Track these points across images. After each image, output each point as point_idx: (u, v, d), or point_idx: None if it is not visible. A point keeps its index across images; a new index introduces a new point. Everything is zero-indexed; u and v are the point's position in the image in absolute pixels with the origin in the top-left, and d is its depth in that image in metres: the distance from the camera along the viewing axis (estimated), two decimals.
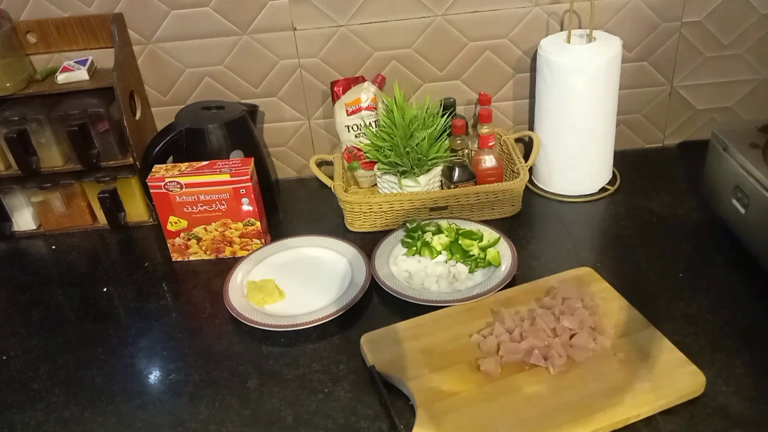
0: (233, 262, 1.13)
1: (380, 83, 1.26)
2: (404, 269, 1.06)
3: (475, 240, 1.08)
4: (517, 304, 0.96)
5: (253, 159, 1.13)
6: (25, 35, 1.23)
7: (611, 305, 0.94)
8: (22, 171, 1.20)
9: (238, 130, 1.20)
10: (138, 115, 1.25)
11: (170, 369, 0.94)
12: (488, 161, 1.20)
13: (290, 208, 1.31)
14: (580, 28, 1.24)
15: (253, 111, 1.27)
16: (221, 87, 1.30)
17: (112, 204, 1.23)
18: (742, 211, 0.98)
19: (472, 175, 1.17)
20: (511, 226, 1.17)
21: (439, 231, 1.10)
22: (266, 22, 1.24)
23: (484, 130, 1.20)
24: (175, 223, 1.13)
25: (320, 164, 1.28)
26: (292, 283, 1.07)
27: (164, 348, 0.98)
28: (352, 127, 1.26)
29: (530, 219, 1.20)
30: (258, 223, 1.14)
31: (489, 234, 1.11)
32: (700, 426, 0.78)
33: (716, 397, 0.81)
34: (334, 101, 1.27)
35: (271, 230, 1.20)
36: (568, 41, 1.18)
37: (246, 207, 1.12)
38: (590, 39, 1.17)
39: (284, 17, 1.23)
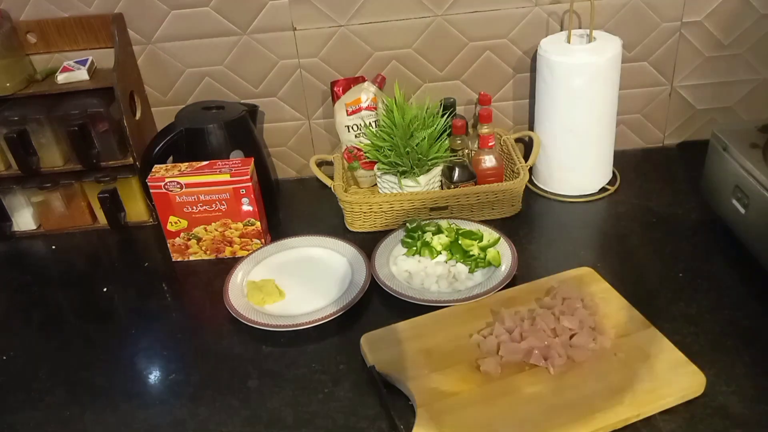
0: (233, 262, 1.13)
1: (380, 83, 1.26)
2: (404, 269, 1.06)
3: (475, 240, 1.08)
4: (517, 304, 0.96)
5: (253, 159, 1.13)
6: (25, 35, 1.23)
7: (611, 305, 0.94)
8: (22, 171, 1.20)
9: (238, 130, 1.20)
10: (138, 115, 1.25)
11: (170, 369, 0.94)
12: (488, 161, 1.20)
13: (290, 208, 1.31)
14: (580, 28, 1.24)
15: (253, 111, 1.27)
16: (221, 87, 1.30)
17: (112, 204, 1.23)
18: (742, 211, 0.98)
19: (472, 175, 1.17)
20: (511, 226, 1.17)
21: (439, 231, 1.10)
22: (266, 22, 1.24)
23: (484, 130, 1.20)
24: (175, 223, 1.13)
25: (320, 164, 1.28)
26: (292, 283, 1.07)
27: (164, 348, 0.98)
28: (352, 127, 1.26)
29: (530, 219, 1.20)
30: (258, 223, 1.14)
31: (489, 234, 1.11)
32: (700, 426, 0.78)
33: (716, 397, 0.81)
34: (334, 101, 1.27)
35: (271, 230, 1.20)
36: (568, 41, 1.18)
37: (246, 207, 1.12)
38: (590, 39, 1.17)
39: (284, 17, 1.23)
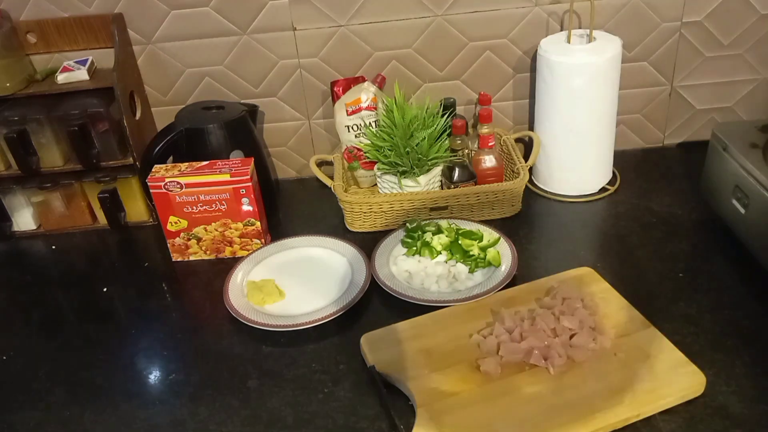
0: (233, 262, 1.13)
1: (380, 83, 1.26)
2: (404, 269, 1.06)
3: (475, 240, 1.08)
4: (517, 304, 0.96)
5: (253, 159, 1.13)
6: (25, 35, 1.23)
7: (611, 305, 0.94)
8: (22, 171, 1.20)
9: (238, 130, 1.20)
10: (138, 115, 1.25)
11: (170, 369, 0.94)
12: (488, 161, 1.20)
13: (290, 208, 1.31)
14: (580, 28, 1.24)
15: (253, 111, 1.27)
16: (221, 87, 1.30)
17: (112, 204, 1.23)
18: (742, 211, 0.98)
19: (472, 175, 1.17)
20: (511, 226, 1.17)
21: (439, 231, 1.10)
22: (266, 22, 1.24)
23: (484, 130, 1.20)
24: (175, 223, 1.13)
25: (320, 164, 1.28)
26: (292, 283, 1.07)
27: (164, 348, 0.98)
28: (352, 127, 1.26)
29: (530, 219, 1.20)
30: (258, 223, 1.14)
31: (489, 234, 1.11)
32: (700, 426, 0.78)
33: (716, 397, 0.81)
34: (334, 101, 1.27)
35: (271, 230, 1.20)
36: (568, 41, 1.18)
37: (246, 207, 1.12)
38: (590, 39, 1.17)
39: (284, 17, 1.23)
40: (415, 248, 1.08)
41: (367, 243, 1.12)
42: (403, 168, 1.18)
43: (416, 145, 1.17)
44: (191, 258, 1.17)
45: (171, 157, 1.19)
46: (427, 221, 1.14)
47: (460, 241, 1.08)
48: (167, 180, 1.09)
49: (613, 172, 1.29)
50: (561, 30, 1.26)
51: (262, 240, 1.16)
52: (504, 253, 1.06)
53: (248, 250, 1.16)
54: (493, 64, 1.29)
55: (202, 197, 1.11)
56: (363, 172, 1.29)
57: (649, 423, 0.79)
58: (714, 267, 1.03)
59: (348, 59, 1.28)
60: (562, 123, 1.20)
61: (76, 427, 0.86)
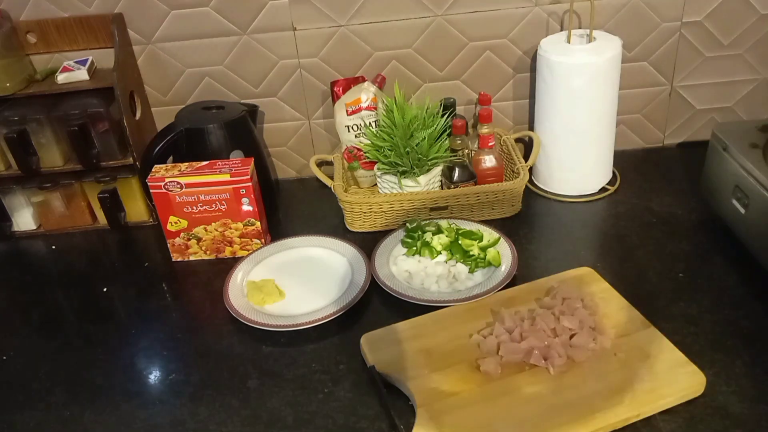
0: (233, 262, 1.13)
1: (380, 83, 1.26)
2: (404, 269, 1.06)
3: (475, 240, 1.08)
4: (517, 304, 0.96)
5: (253, 159, 1.13)
6: (25, 35, 1.23)
7: (611, 305, 0.94)
8: (22, 171, 1.20)
9: (238, 130, 1.20)
10: (138, 115, 1.25)
11: (170, 369, 0.94)
12: (488, 161, 1.20)
13: (290, 208, 1.31)
14: (580, 28, 1.24)
15: (253, 111, 1.27)
16: (221, 87, 1.30)
17: (112, 204, 1.23)
18: (742, 211, 0.98)
19: (472, 175, 1.17)
20: (511, 226, 1.17)
21: (439, 231, 1.10)
22: (266, 22, 1.24)
23: (484, 130, 1.20)
24: (175, 223, 1.13)
25: (320, 164, 1.28)
26: (292, 283, 1.07)
27: (164, 348, 0.98)
28: (352, 127, 1.26)
29: (530, 219, 1.20)
30: (258, 223, 1.14)
31: (489, 234, 1.11)
32: (700, 426, 0.78)
33: (716, 397, 0.81)
34: (334, 101, 1.27)
35: (271, 230, 1.20)
36: (568, 41, 1.18)
37: (246, 207, 1.12)
38: (590, 39, 1.17)
39: (284, 17, 1.23)
40: (415, 248, 1.08)
41: (367, 243, 1.12)
42: (403, 168, 1.18)
43: (416, 145, 1.17)
44: (191, 258, 1.17)
45: (171, 157, 1.19)
46: (427, 221, 1.14)
47: (460, 241, 1.07)
48: (167, 180, 1.09)
49: (613, 172, 1.29)
50: (561, 30, 1.26)
51: (262, 240, 1.16)
52: (504, 253, 1.06)
53: (248, 250, 1.16)
54: (493, 64, 1.29)
55: (202, 197, 1.11)
56: (363, 172, 1.29)
57: (649, 423, 0.79)
58: (714, 267, 1.03)
59: (348, 59, 1.28)
60: (562, 123, 1.20)
61: (76, 427, 0.86)
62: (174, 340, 0.99)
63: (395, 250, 1.10)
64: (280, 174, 1.41)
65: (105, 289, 1.12)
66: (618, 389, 0.80)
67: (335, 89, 1.26)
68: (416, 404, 0.81)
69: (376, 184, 1.27)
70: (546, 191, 1.27)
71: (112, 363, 0.96)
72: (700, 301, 0.96)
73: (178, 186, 1.10)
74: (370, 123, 1.25)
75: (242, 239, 1.15)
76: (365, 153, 1.24)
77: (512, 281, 1.01)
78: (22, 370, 0.96)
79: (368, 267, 1.06)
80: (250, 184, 1.10)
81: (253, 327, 0.98)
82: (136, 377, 0.93)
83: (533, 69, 1.29)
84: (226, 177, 1.09)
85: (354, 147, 1.27)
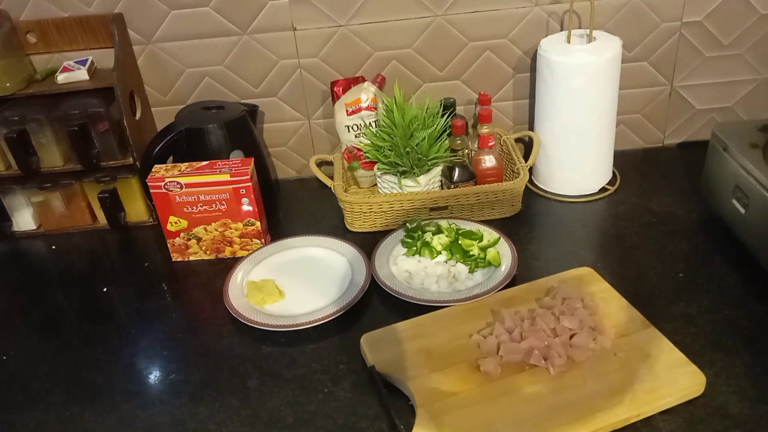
0: (233, 262, 1.13)
1: (380, 83, 1.26)
2: (404, 269, 1.06)
3: (475, 240, 1.08)
4: (517, 304, 0.96)
5: (253, 159, 1.13)
6: (25, 35, 1.23)
7: (611, 305, 0.94)
8: (22, 171, 1.20)
9: (238, 130, 1.20)
10: (138, 115, 1.25)
11: (170, 369, 0.94)
12: (488, 161, 1.20)
13: (290, 208, 1.31)
14: (580, 28, 1.24)
15: (253, 111, 1.27)
16: (221, 87, 1.30)
17: (112, 204, 1.23)
18: (742, 211, 0.98)
19: (472, 175, 1.17)
20: (511, 226, 1.17)
21: (439, 231, 1.10)
22: (266, 22, 1.24)
23: (484, 130, 1.20)
24: (175, 223, 1.13)
25: (320, 164, 1.28)
26: (292, 283, 1.07)
27: (164, 348, 0.98)
28: (352, 127, 1.26)
29: (530, 219, 1.20)
30: (258, 223, 1.14)
31: (489, 234, 1.11)
32: (700, 426, 0.78)
33: (716, 397, 0.81)
34: (334, 101, 1.27)
35: (271, 230, 1.20)
36: (568, 41, 1.18)
37: (246, 207, 1.12)
38: (590, 39, 1.17)
39: (284, 17, 1.23)
40: (415, 248, 1.08)
41: (367, 243, 1.12)
42: (403, 168, 1.18)
43: (416, 145, 1.17)
44: (191, 258, 1.17)
45: (171, 157, 1.19)
46: (427, 221, 1.14)
47: (460, 241, 1.07)
48: (167, 180, 1.09)
49: (613, 172, 1.29)
50: (561, 30, 1.26)
51: (262, 240, 1.16)
52: (504, 253, 1.06)
53: (248, 250, 1.16)
54: (493, 64, 1.29)
55: (202, 197, 1.11)
56: (363, 172, 1.29)
57: (649, 423, 0.79)
58: (714, 267, 1.03)
59: (348, 59, 1.28)
60: (562, 123, 1.20)
61: (76, 427, 0.86)
62: (174, 340, 0.99)
63: (395, 250, 1.10)
64: (280, 174, 1.41)
65: (105, 289, 1.12)
66: (618, 389, 0.80)
67: (335, 89, 1.26)
68: (416, 404, 0.81)
69: (376, 184, 1.27)
70: (546, 191, 1.27)
71: (112, 363, 0.96)
72: (700, 301, 0.96)
73: (178, 186, 1.10)
74: (370, 123, 1.25)
75: (242, 239, 1.15)
76: (365, 153, 1.24)
77: (512, 281, 1.01)
78: (22, 370, 0.96)
79: (368, 267, 1.06)
80: (250, 184, 1.10)
81: (253, 327, 0.98)
82: (136, 377, 0.93)
83: (533, 69, 1.29)
84: (226, 177, 1.09)
85: (354, 147, 1.27)
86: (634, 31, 1.25)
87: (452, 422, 0.78)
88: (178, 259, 1.17)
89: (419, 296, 0.99)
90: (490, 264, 1.05)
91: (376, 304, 1.02)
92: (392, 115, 1.19)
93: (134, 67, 1.26)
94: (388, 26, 1.25)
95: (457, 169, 1.17)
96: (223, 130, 1.18)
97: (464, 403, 0.81)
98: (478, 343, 0.89)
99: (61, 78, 1.19)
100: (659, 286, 1.00)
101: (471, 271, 1.05)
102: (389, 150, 1.19)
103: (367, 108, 1.24)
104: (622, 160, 1.32)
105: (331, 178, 1.23)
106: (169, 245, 1.16)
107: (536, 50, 1.22)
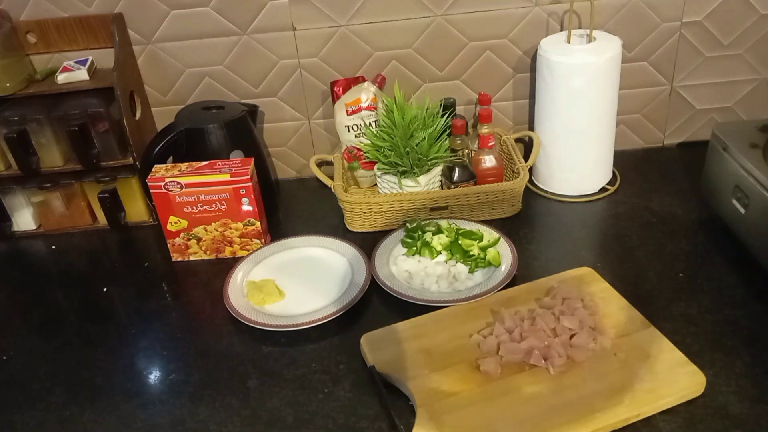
0: (233, 262, 1.13)
1: (380, 83, 1.26)
2: (404, 269, 1.06)
3: (475, 240, 1.08)
4: (517, 304, 0.96)
5: (253, 159, 1.13)
6: (25, 35, 1.23)
7: (611, 305, 0.94)
8: (22, 171, 1.20)
9: (238, 130, 1.20)
10: (138, 115, 1.25)
11: (170, 369, 0.94)
12: (488, 161, 1.20)
13: (290, 208, 1.31)
14: (580, 28, 1.24)
15: (253, 111, 1.27)
16: (221, 87, 1.30)
17: (112, 204, 1.23)
18: (742, 211, 0.98)
19: (472, 175, 1.17)
20: (511, 226, 1.17)
21: (439, 231, 1.10)
22: (266, 22, 1.24)
23: (484, 130, 1.20)
24: (175, 223, 1.13)
25: (320, 164, 1.28)
26: (292, 283, 1.07)
27: (164, 348, 0.98)
28: (352, 127, 1.26)
29: (530, 219, 1.20)
30: (258, 223, 1.14)
31: (489, 234, 1.11)
32: (700, 426, 0.78)
33: (716, 397, 0.81)
34: (334, 101, 1.27)
35: (271, 230, 1.20)
36: (568, 41, 1.18)
37: (246, 207, 1.12)
38: (590, 39, 1.17)
39: (284, 17, 1.23)
40: (415, 248, 1.08)
41: (367, 243, 1.13)
42: (403, 168, 1.18)
43: (416, 145, 1.17)
44: (191, 258, 1.17)
45: (171, 157, 1.19)
46: (427, 221, 1.14)
47: (460, 241, 1.08)
48: (167, 180, 1.09)
49: (613, 172, 1.29)
50: (561, 30, 1.26)
51: (262, 240, 1.16)
52: (504, 253, 1.06)
53: (248, 250, 1.16)
54: (493, 64, 1.29)
55: (202, 197, 1.11)
56: (363, 172, 1.29)
57: (649, 423, 0.79)
58: (714, 267, 1.03)
59: (348, 59, 1.28)
60: (562, 123, 1.20)
61: (76, 427, 0.86)
62: (174, 340, 0.99)
63: (395, 250, 1.10)
64: (280, 174, 1.41)
65: (105, 289, 1.12)
66: (618, 389, 0.80)
67: (335, 89, 1.26)
68: (416, 404, 0.81)
69: (376, 184, 1.27)
70: (546, 191, 1.27)
71: (112, 363, 0.96)
72: (700, 301, 0.96)
73: (178, 186, 1.10)
74: (370, 123, 1.25)
75: (242, 239, 1.15)
76: (365, 153, 1.24)
77: (512, 281, 1.01)
78: (22, 370, 0.96)
79: (368, 267, 1.06)
80: (250, 184, 1.10)
81: (253, 327, 0.98)
82: (136, 377, 0.93)
83: (533, 69, 1.29)
84: (226, 177, 1.09)
85: (354, 147, 1.27)
86: (634, 31, 1.25)
87: (452, 422, 0.78)
88: (178, 259, 1.17)
89: (419, 296, 0.99)
90: (490, 264, 1.05)
91: (376, 304, 1.02)
92: (392, 115, 1.19)
93: (134, 67, 1.26)
94: (388, 26, 1.25)
95: (457, 169, 1.17)
96: (223, 130, 1.18)
97: (464, 403, 0.81)
98: (478, 343, 0.89)
99: (61, 78, 1.19)
100: (659, 286, 1.00)
101: (471, 271, 1.05)
102: (389, 150, 1.19)
103: (367, 108, 1.24)
104: (622, 160, 1.32)
105: (331, 178, 1.23)
106: (169, 245, 1.16)
107: (536, 50, 1.22)
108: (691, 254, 1.06)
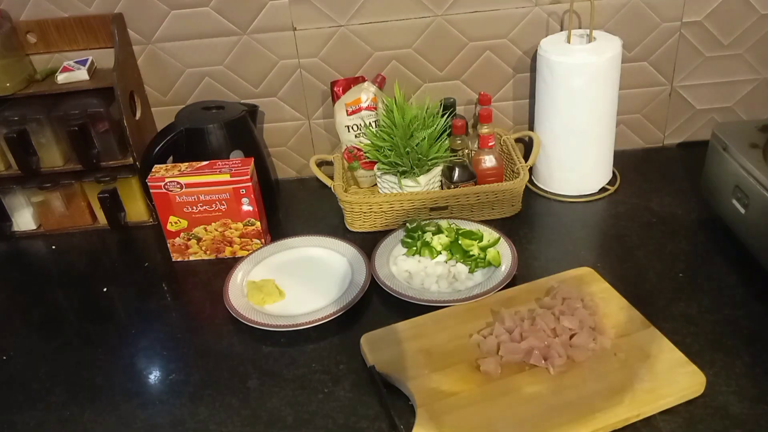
0: (233, 262, 1.13)
1: (380, 83, 1.26)
2: (404, 269, 1.06)
3: (475, 240, 1.08)
4: (517, 304, 0.96)
5: (253, 159, 1.13)
6: (25, 35, 1.23)
7: (611, 305, 0.94)
8: (22, 171, 1.20)
9: (238, 130, 1.20)
10: (138, 115, 1.25)
11: (170, 369, 0.94)
12: (488, 161, 1.20)
13: (290, 208, 1.31)
14: (580, 28, 1.24)
15: (253, 111, 1.27)
16: (221, 87, 1.30)
17: (112, 204, 1.23)
18: (742, 211, 0.98)
19: (472, 175, 1.17)
20: (511, 226, 1.17)
21: (439, 231, 1.10)
22: (266, 22, 1.24)
23: (484, 130, 1.20)
24: (175, 223, 1.13)
25: (320, 164, 1.28)
26: (292, 283, 1.07)
27: (164, 348, 0.98)
28: (352, 127, 1.26)
29: (530, 219, 1.20)
30: (258, 223, 1.14)
31: (489, 234, 1.11)
32: (700, 426, 0.78)
33: (716, 397, 0.81)
34: (334, 101, 1.27)
35: (271, 230, 1.20)
36: (568, 41, 1.18)
37: (246, 207, 1.12)
38: (590, 39, 1.17)
39: (284, 17, 1.23)
40: (415, 248, 1.08)
41: (367, 243, 1.13)
42: (403, 168, 1.18)
43: (416, 145, 1.17)
44: (191, 258, 1.17)
45: (171, 157, 1.19)
46: (427, 221, 1.14)
47: (460, 241, 1.07)
48: (167, 180, 1.09)
49: (613, 172, 1.29)
50: (561, 30, 1.26)
51: (262, 240, 1.16)
52: (504, 253, 1.06)
53: (248, 250, 1.16)
54: (493, 64, 1.29)
55: (202, 197, 1.11)
56: (363, 172, 1.29)
57: (649, 423, 0.79)
58: (714, 267, 1.03)
59: (348, 59, 1.28)
60: (562, 123, 1.20)
61: (76, 427, 0.86)
62: (174, 340, 0.99)
63: (395, 250, 1.10)
64: (280, 174, 1.41)
65: (105, 289, 1.12)
66: (618, 389, 0.80)
67: (335, 89, 1.26)
68: (416, 404, 0.81)
69: (376, 184, 1.27)
70: (546, 191, 1.27)
71: (112, 363, 0.96)
72: (700, 301, 0.96)
73: (178, 186, 1.10)
74: (370, 123, 1.25)
75: (242, 239, 1.15)
76: (365, 153, 1.24)
77: (512, 281, 1.01)
78: (22, 370, 0.96)
79: (368, 267, 1.06)
80: (250, 184, 1.10)
81: (253, 327, 0.98)
82: (136, 377, 0.93)
83: (533, 69, 1.29)
84: (226, 177, 1.09)
85: (354, 147, 1.27)
86: (634, 31, 1.25)
87: (452, 422, 0.78)
88: (178, 259, 1.17)
89: (419, 296, 0.99)
90: (490, 264, 1.05)
91: (376, 304, 1.02)
92: (392, 115, 1.19)
93: (134, 67, 1.26)
94: (388, 26, 1.25)
95: (457, 169, 1.17)
96: (223, 130, 1.18)
97: (464, 403, 0.81)
98: (478, 343, 0.89)
99: (61, 78, 1.19)
100: (659, 286, 1.00)
101: (471, 271, 1.05)
102: (389, 150, 1.19)
103: (367, 108, 1.24)
104: (622, 160, 1.32)
105: (331, 178, 1.23)
106: (169, 245, 1.16)
107: (536, 50, 1.22)
108: (691, 254, 1.06)
